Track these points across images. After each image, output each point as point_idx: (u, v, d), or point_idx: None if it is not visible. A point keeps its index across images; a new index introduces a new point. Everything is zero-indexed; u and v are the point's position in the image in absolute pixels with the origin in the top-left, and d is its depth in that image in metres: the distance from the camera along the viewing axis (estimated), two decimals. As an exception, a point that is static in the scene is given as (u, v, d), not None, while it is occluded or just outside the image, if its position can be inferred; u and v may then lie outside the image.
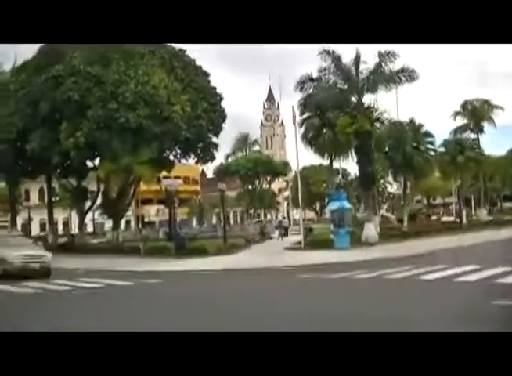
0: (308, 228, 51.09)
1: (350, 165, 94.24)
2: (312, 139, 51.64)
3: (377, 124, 46.64)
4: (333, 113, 47.38)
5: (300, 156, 42.06)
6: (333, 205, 44.27)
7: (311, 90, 46.83)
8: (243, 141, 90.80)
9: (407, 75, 44.00)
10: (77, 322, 15.09)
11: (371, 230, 43.09)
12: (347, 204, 44.21)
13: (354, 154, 49.17)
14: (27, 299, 21.57)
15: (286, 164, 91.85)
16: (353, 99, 46.17)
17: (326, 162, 63.11)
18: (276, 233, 62.65)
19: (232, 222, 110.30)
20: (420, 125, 60.93)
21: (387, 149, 55.67)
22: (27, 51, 48.12)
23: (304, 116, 51.83)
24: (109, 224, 71.11)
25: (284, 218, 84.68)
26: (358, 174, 52.41)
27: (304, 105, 49.39)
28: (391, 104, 65.62)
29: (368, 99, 45.72)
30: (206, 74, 50.80)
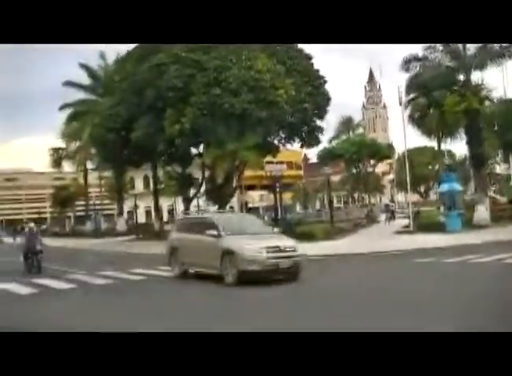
0: (415, 211, 49.99)
1: (457, 146, 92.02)
2: (419, 120, 50.46)
3: (486, 103, 45.26)
4: (439, 93, 45.98)
5: (403, 138, 40.79)
6: (444, 187, 43.17)
7: (417, 69, 45.76)
8: (346, 124, 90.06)
9: (519, 48, 42.19)
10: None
11: (483, 212, 41.91)
12: (458, 186, 43.06)
13: (462, 134, 47.94)
14: (144, 285, 21.52)
15: (390, 147, 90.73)
16: (460, 76, 44.97)
17: (432, 143, 61.89)
18: (383, 216, 61.86)
19: (336, 206, 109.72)
20: (532, 101, 58.83)
21: (496, 128, 53.97)
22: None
23: (410, 96, 50.63)
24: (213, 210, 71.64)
25: (390, 201, 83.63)
26: (467, 155, 50.93)
27: (410, 85, 48.19)
28: (498, 81, 63.86)
29: (476, 76, 44.55)
30: (309, 57, 50.03)
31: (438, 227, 39.40)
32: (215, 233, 20.66)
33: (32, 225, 30.10)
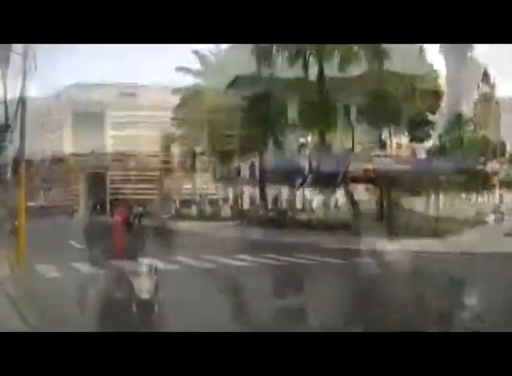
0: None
1: None
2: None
3: None
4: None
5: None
6: None
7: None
8: (457, 120, 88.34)
9: None
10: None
11: None
12: None
13: None
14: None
15: (502, 145, 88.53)
16: None
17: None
18: (492, 217, 60.43)
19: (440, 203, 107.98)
20: None
21: None
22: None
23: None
24: (317, 201, 71.43)
25: (500, 202, 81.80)
26: None
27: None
28: None
29: None
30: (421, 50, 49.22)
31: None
32: None
33: None
